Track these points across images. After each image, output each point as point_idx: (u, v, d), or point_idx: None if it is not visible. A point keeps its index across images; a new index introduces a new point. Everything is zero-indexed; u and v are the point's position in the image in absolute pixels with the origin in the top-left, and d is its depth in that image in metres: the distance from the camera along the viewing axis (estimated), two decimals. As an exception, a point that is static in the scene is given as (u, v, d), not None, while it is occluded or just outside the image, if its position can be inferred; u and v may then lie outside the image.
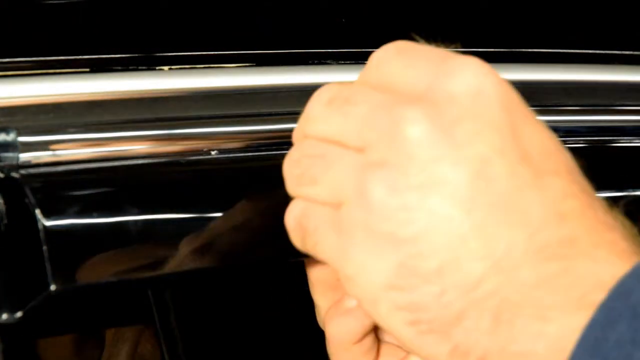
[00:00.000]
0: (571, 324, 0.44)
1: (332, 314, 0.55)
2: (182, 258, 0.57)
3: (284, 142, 0.64)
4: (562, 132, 0.73)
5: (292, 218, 0.50)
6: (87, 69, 0.62)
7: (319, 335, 0.59)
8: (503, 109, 0.47)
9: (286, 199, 0.50)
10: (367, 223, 0.46)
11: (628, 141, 0.74)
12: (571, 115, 0.74)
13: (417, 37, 0.51)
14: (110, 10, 0.58)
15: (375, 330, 0.57)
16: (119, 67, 0.63)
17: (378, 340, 0.57)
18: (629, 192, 0.71)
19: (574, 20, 0.83)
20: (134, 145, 0.61)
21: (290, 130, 0.65)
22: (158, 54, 0.64)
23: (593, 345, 0.43)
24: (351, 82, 0.50)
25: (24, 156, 0.58)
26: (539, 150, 0.47)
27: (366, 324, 0.55)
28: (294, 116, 0.65)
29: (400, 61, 0.49)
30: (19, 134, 0.58)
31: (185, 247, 0.57)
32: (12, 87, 0.60)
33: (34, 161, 0.58)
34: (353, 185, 0.47)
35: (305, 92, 0.67)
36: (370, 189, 0.46)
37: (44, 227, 0.54)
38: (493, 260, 0.45)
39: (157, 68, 0.64)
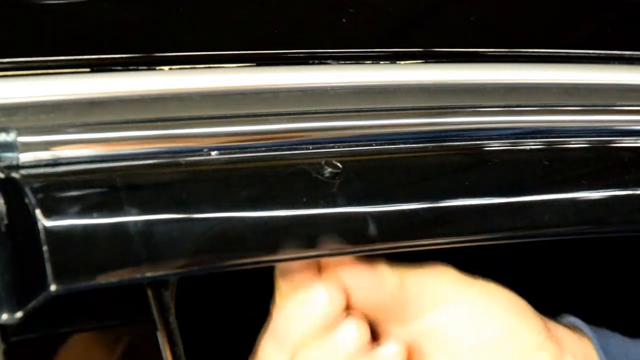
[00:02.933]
0: None
1: None
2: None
3: (284, 142, 0.64)
4: (562, 132, 0.73)
5: None
6: (87, 69, 0.62)
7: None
8: None
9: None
10: None
11: (628, 141, 0.74)
12: (571, 115, 0.74)
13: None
14: (110, 10, 0.58)
15: None
16: (119, 67, 0.63)
17: None
18: (629, 192, 0.71)
19: (574, 20, 0.83)
20: (133, 145, 0.61)
21: (291, 130, 0.65)
22: (158, 54, 0.64)
23: None
24: None
25: (24, 156, 0.58)
26: None
27: None
28: (294, 116, 0.65)
29: None
30: (19, 134, 0.58)
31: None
32: (12, 87, 0.60)
33: (34, 161, 0.58)
34: None
35: (305, 92, 0.67)
36: None
37: (44, 227, 0.54)
38: None
39: (157, 68, 0.64)
